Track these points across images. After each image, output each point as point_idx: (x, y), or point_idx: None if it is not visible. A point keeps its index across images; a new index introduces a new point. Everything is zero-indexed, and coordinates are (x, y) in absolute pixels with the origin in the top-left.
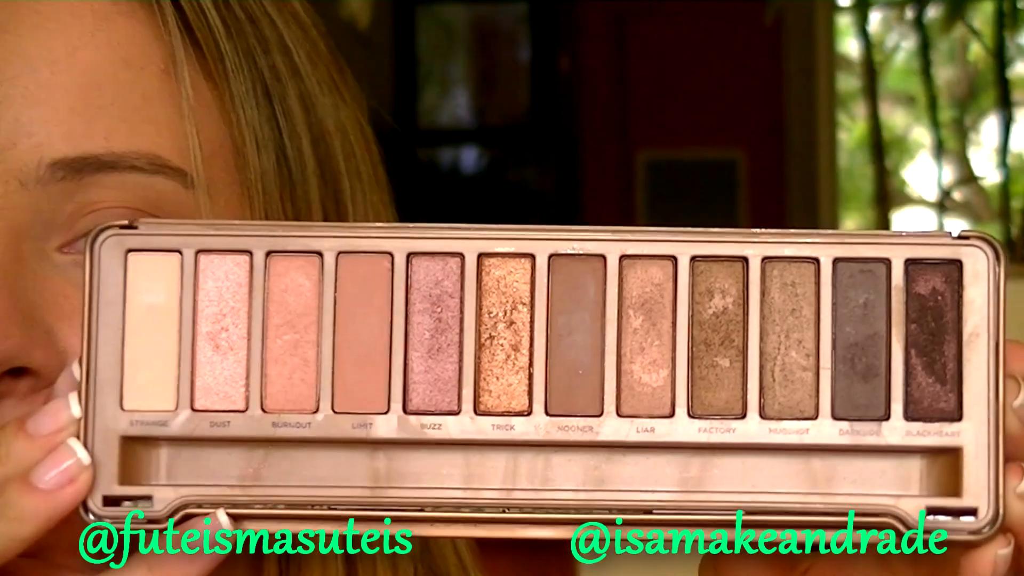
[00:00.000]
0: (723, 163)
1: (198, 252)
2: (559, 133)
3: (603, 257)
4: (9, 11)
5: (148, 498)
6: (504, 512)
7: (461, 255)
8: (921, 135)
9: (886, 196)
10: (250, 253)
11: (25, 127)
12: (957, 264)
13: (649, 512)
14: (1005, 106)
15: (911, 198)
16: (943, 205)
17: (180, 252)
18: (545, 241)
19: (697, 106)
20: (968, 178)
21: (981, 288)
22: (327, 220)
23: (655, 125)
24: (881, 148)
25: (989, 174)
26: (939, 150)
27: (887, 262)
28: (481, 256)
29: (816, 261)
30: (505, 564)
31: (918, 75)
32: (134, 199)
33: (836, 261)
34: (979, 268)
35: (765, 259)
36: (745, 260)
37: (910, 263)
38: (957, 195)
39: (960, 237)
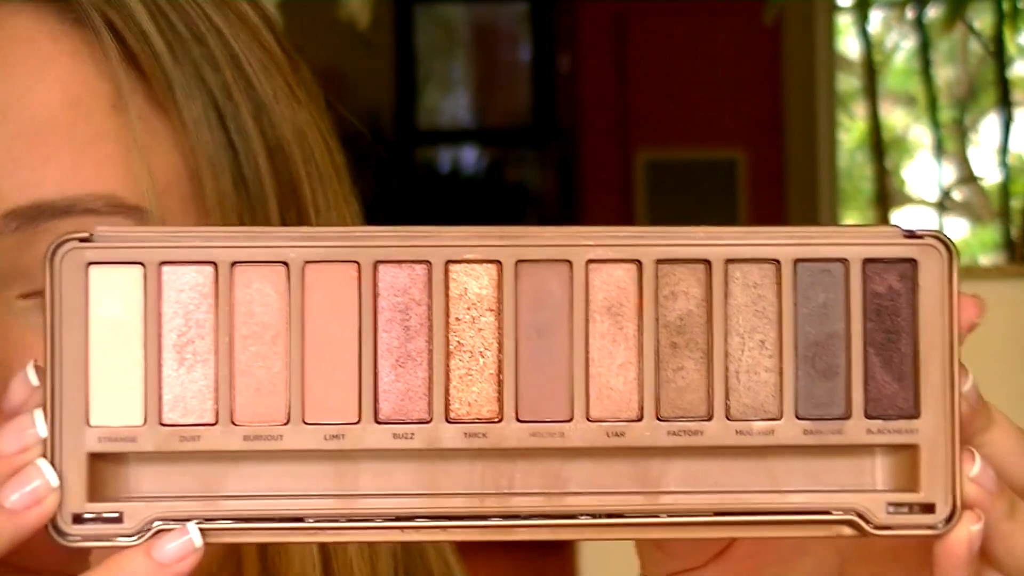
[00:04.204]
0: (723, 163)
1: (161, 264)
2: (559, 133)
3: (569, 262)
4: None
5: (118, 514)
6: (475, 520)
7: (428, 263)
8: (921, 135)
9: (886, 196)
10: (214, 264)
11: None
12: (912, 263)
13: (620, 516)
14: (1005, 106)
15: (911, 198)
16: (943, 205)
17: (143, 264)
18: (512, 247)
19: (697, 106)
20: (968, 178)
21: (935, 286)
22: None
23: (655, 125)
24: (881, 148)
25: (989, 174)
26: (939, 150)
27: (845, 262)
28: (448, 263)
29: (777, 263)
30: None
31: (918, 75)
32: None
33: (797, 262)
34: (933, 266)
35: (728, 261)
36: (708, 263)
37: (867, 263)
38: (957, 195)
39: (914, 236)
